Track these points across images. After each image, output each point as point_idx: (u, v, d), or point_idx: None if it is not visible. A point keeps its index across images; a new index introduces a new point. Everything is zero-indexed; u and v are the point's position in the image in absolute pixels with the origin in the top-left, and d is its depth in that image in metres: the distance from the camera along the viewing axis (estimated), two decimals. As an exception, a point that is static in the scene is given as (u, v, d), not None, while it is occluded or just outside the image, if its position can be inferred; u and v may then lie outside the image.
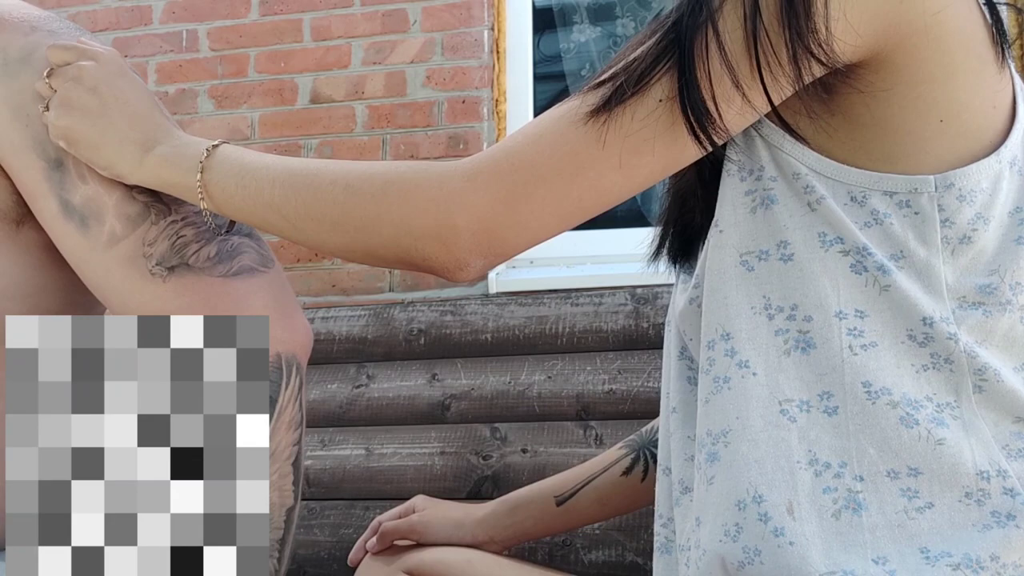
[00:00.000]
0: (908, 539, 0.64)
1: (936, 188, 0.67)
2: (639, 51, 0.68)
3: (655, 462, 1.01)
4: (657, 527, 0.83)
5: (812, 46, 0.63)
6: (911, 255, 0.68)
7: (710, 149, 0.67)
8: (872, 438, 0.66)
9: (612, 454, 1.05)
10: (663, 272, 0.88)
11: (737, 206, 0.72)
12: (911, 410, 0.66)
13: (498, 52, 2.05)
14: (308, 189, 0.73)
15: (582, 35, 2.30)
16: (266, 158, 0.76)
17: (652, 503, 0.96)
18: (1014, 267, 0.69)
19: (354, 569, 1.08)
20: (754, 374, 0.69)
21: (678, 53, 0.65)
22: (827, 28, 0.63)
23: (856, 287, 0.68)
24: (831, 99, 0.68)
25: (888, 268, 0.67)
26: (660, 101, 0.66)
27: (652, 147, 0.67)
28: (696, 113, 0.65)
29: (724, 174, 0.73)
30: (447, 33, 2.03)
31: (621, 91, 0.66)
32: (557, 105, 0.71)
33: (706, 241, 0.74)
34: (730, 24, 0.64)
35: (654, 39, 0.67)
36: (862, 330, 0.67)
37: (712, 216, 0.74)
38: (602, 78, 0.68)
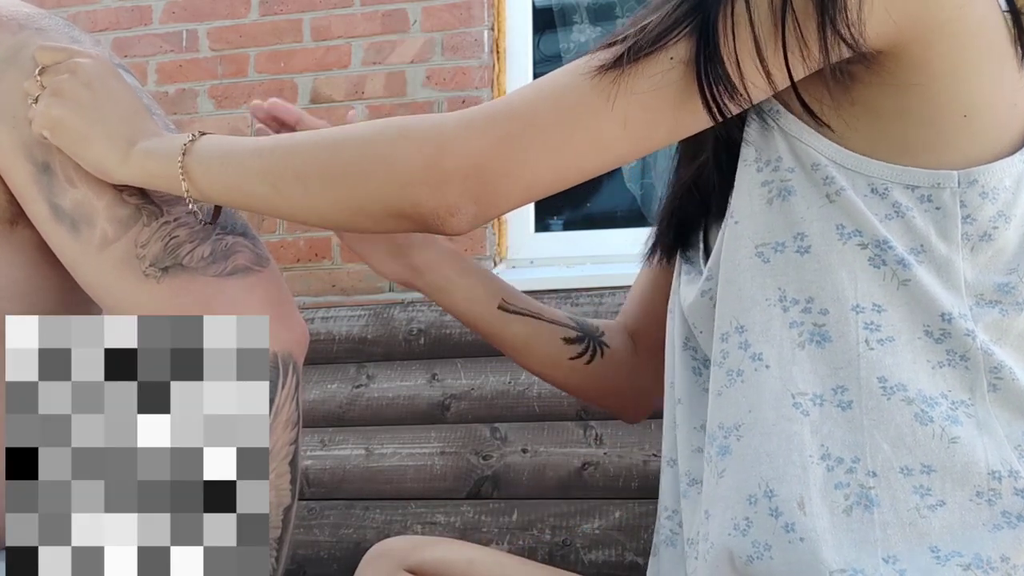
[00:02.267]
0: (919, 538, 0.63)
1: (959, 184, 0.67)
2: (656, 14, 0.66)
3: (600, 351, 0.95)
4: (662, 520, 0.82)
5: (840, 25, 0.62)
6: (931, 250, 0.67)
7: (720, 119, 0.66)
8: (886, 434, 0.65)
9: (561, 317, 0.96)
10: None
11: (753, 197, 0.71)
12: (926, 407, 0.65)
13: (498, 52, 2.05)
14: (294, 150, 0.73)
15: (582, 35, 2.30)
16: (251, 139, 0.76)
17: (579, 388, 0.94)
18: None
19: (354, 569, 1.08)
20: (767, 367, 0.68)
21: (700, 17, 0.63)
22: (859, 8, 0.62)
23: (874, 281, 0.67)
24: (853, 87, 0.67)
25: (908, 262, 0.67)
26: (673, 63, 0.64)
27: (661, 110, 0.65)
28: (713, 81, 0.63)
29: (740, 164, 0.72)
30: (447, 33, 2.03)
31: (635, 50, 0.64)
32: (567, 63, 0.69)
33: (720, 232, 0.73)
34: None
35: (673, 2, 0.65)
36: (879, 324, 0.67)
37: (726, 207, 0.73)
38: (616, 37, 0.67)
